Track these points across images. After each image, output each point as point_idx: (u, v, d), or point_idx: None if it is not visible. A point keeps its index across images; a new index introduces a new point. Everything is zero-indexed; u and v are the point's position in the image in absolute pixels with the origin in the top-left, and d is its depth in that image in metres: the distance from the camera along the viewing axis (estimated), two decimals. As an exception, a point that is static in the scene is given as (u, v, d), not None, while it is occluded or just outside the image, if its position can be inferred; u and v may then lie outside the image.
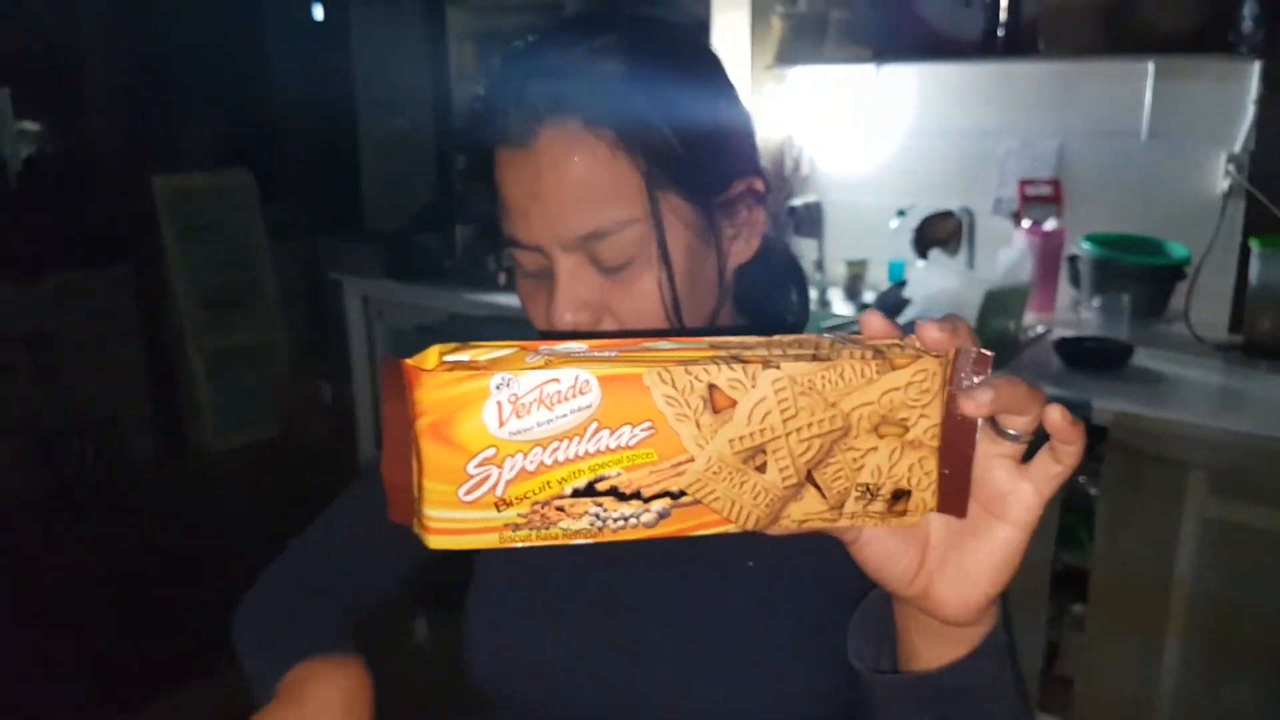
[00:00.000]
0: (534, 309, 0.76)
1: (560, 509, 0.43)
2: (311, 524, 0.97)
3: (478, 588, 0.86)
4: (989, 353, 0.47)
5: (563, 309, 0.71)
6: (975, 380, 0.47)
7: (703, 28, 2.57)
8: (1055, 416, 0.46)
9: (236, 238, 4.09)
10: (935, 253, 2.45)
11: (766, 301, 0.87)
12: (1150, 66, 2.27)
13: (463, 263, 2.90)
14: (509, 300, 2.63)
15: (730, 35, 2.58)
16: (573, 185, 0.69)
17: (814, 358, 0.45)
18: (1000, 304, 2.11)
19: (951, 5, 2.38)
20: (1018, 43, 2.32)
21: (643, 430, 0.43)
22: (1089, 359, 2.06)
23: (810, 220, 2.63)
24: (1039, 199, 2.43)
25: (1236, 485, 1.80)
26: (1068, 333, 2.21)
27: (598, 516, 0.44)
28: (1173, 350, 2.14)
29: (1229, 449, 1.78)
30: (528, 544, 0.44)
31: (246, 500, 3.67)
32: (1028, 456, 0.49)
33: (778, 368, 0.44)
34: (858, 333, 0.49)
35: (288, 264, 4.25)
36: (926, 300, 2.22)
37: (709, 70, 0.77)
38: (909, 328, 0.49)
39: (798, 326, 0.90)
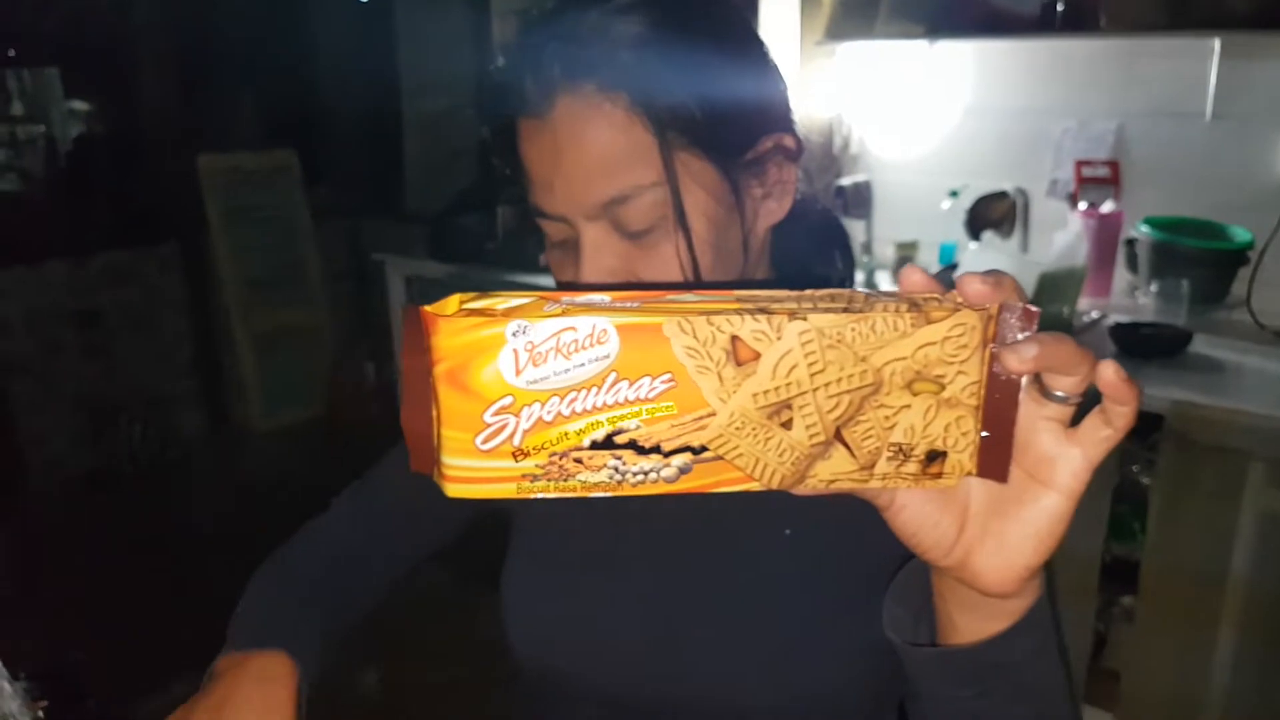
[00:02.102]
0: (563, 279, 0.75)
1: (578, 460, 0.42)
2: (357, 482, 0.98)
3: (514, 557, 0.86)
4: (1034, 308, 0.44)
5: (588, 278, 0.70)
6: (1016, 337, 0.44)
7: (750, 2, 2.52)
8: (1109, 374, 0.43)
9: (281, 218, 4.12)
10: (988, 235, 2.39)
11: (807, 262, 0.85)
12: (1216, 44, 2.19)
13: (505, 244, 2.89)
14: (551, 282, 2.61)
15: (779, 9, 2.53)
16: (591, 152, 0.68)
17: (845, 311, 0.43)
18: (1054, 288, 2.06)
19: (1008, -21, 2.32)
20: (1078, 18, 2.25)
21: (662, 382, 0.42)
22: (1145, 346, 2.00)
23: (859, 200, 2.59)
24: (1096, 180, 2.37)
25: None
26: (1124, 318, 2.15)
27: (616, 470, 0.43)
28: (1233, 338, 2.07)
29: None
30: (546, 495, 0.43)
31: (290, 479, 3.69)
32: (1075, 421, 0.46)
33: (804, 319, 0.42)
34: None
35: (332, 244, 4.28)
36: (977, 284, 2.16)
37: (732, 26, 0.75)
38: (946, 279, 0.47)
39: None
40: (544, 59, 0.69)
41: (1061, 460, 0.46)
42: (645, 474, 0.43)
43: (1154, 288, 2.16)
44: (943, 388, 0.44)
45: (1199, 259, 2.18)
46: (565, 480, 0.43)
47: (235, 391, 4.09)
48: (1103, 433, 0.45)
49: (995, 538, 0.49)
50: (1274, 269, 2.15)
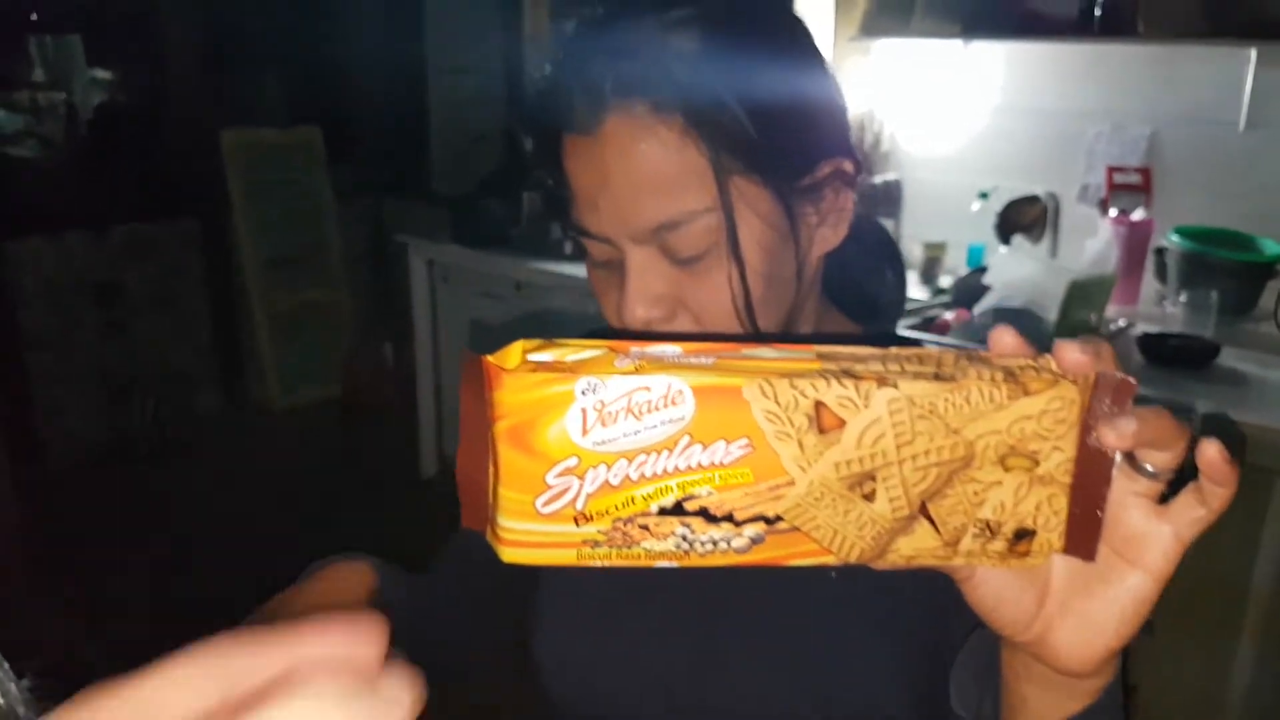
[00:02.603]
0: (606, 302, 0.73)
1: (644, 527, 0.40)
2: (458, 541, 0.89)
3: (547, 582, 0.83)
4: (1132, 380, 0.42)
5: (634, 303, 0.68)
6: (1114, 409, 0.42)
7: (785, -3, 2.50)
8: (1212, 453, 0.42)
9: (303, 196, 4.10)
10: (1018, 239, 2.38)
11: (859, 284, 0.82)
12: (1253, 53, 2.16)
13: (529, 230, 2.88)
14: (575, 270, 2.61)
15: (814, 4, 2.51)
16: (641, 175, 0.65)
17: (935, 376, 0.41)
18: (1083, 295, 2.04)
19: (1047, -18, 2.30)
20: (1116, 23, 2.23)
21: (739, 447, 0.39)
22: (1173, 357, 1.99)
23: (889, 199, 2.57)
24: (1128, 187, 2.35)
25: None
26: (1151, 328, 2.14)
27: (684, 538, 0.40)
28: (1260, 351, 2.06)
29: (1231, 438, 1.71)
30: (607, 564, 0.40)
31: (306, 460, 3.71)
32: (1166, 496, 0.44)
33: (895, 386, 0.40)
34: (980, 347, 0.44)
35: (354, 224, 4.26)
36: (1007, 288, 2.16)
37: (795, 43, 0.72)
38: (1023, 325, 0.45)
39: (893, 309, 0.87)
40: (594, 74, 0.66)
41: (1151, 539, 0.44)
42: (715, 543, 0.41)
43: (1183, 298, 2.14)
44: (1037, 464, 0.42)
45: (1229, 270, 2.17)
46: (629, 548, 0.40)
47: (253, 370, 4.09)
48: (1196, 513, 0.43)
49: (1077, 616, 0.47)
50: (1303, 282, 2.15)
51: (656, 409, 0.38)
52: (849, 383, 0.40)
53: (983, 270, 2.28)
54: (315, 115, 4.16)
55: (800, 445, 0.40)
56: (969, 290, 2.24)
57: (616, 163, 0.65)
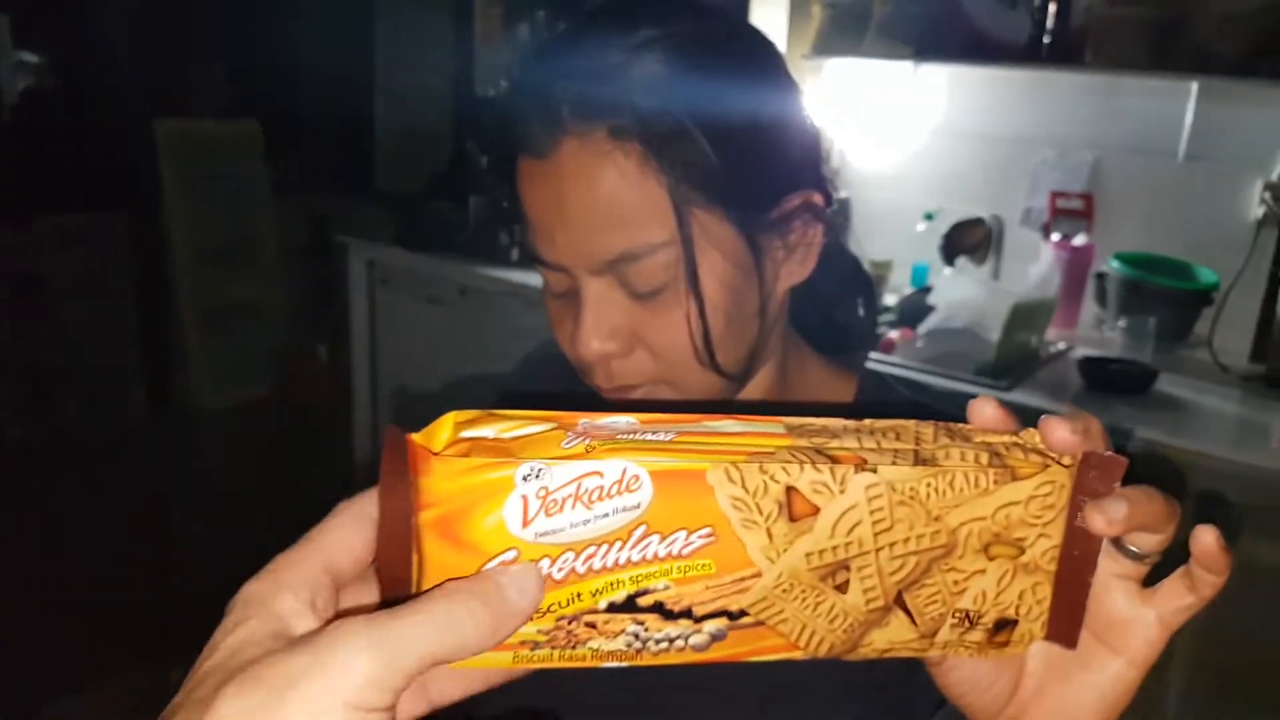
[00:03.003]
0: (561, 332, 0.70)
1: (591, 625, 0.36)
2: None
3: None
4: (1122, 458, 0.39)
5: (589, 337, 0.66)
6: (1101, 490, 0.40)
7: (740, 12, 2.50)
8: (1209, 541, 0.39)
9: (240, 190, 4.00)
10: (962, 260, 2.40)
11: (828, 315, 0.80)
12: (1194, 87, 2.21)
13: (476, 234, 2.83)
14: (522, 277, 2.57)
15: (767, 23, 2.51)
16: (598, 204, 0.62)
17: (916, 455, 0.38)
18: (1025, 318, 2.07)
19: (997, 7, 2.32)
20: (1064, 51, 2.26)
21: (700, 537, 0.36)
22: (1112, 381, 2.02)
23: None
24: (1070, 212, 2.39)
25: (1257, 522, 1.77)
26: (1090, 351, 2.17)
27: (637, 636, 0.36)
28: (1194, 377, 2.10)
29: (1252, 484, 1.75)
30: (547, 665, 0.37)
31: (236, 460, 3.61)
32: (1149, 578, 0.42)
33: (873, 471, 0.37)
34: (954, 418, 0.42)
35: (292, 222, 4.17)
36: (950, 308, 2.18)
37: (765, 68, 0.69)
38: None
39: (864, 341, 0.85)
40: (552, 97, 0.63)
41: (1135, 625, 0.42)
42: (670, 641, 0.37)
43: (1122, 323, 2.18)
44: (1022, 551, 0.40)
45: (1167, 297, 2.21)
46: (574, 648, 0.36)
47: (183, 369, 3.97)
48: (1184, 600, 0.41)
49: (1053, 702, 0.44)
50: (1236, 311, 2.19)
51: (609, 496, 0.35)
52: (824, 467, 0.37)
53: (927, 290, 2.30)
54: (255, 107, 4.05)
55: (769, 534, 0.37)
56: (913, 310, 2.25)
57: (572, 190, 0.63)
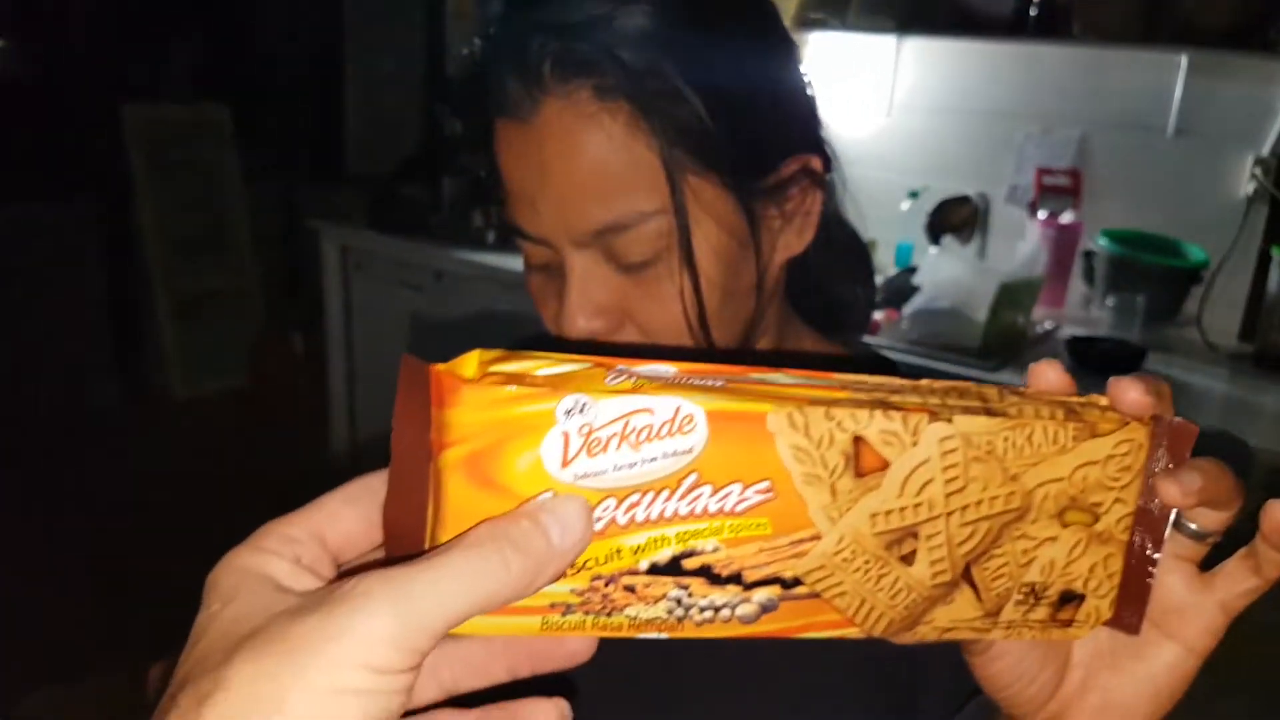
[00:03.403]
0: (545, 309, 0.65)
1: (630, 589, 0.32)
2: None
3: None
4: (1194, 425, 0.36)
5: (575, 313, 0.61)
6: (1172, 461, 0.36)
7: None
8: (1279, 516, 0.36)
9: (209, 176, 3.92)
10: (948, 239, 2.36)
11: (825, 291, 0.75)
12: (1184, 60, 2.17)
13: (450, 217, 2.77)
14: (498, 260, 2.51)
15: (749, -5, 2.46)
16: (582, 170, 0.57)
17: (986, 412, 0.34)
18: (1012, 297, 2.03)
19: (984, -20, 2.28)
20: (1051, 24, 2.22)
21: (757, 492, 0.32)
22: (1102, 361, 1.98)
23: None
24: (1056, 189, 2.35)
25: (1246, 503, 1.74)
26: (1078, 330, 2.14)
27: (679, 603, 0.32)
28: (1183, 356, 2.07)
29: (1239, 464, 1.71)
30: (579, 634, 0.32)
31: (210, 449, 3.55)
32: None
33: (949, 421, 0.33)
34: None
35: (263, 207, 4.09)
36: (936, 288, 2.13)
37: (760, 24, 0.65)
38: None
39: (861, 319, 0.80)
40: (531, 53, 0.58)
41: (1194, 610, 0.39)
42: (716, 610, 0.33)
43: (1110, 301, 2.15)
44: (1096, 518, 0.36)
45: (1155, 275, 2.18)
46: (609, 615, 0.32)
47: (154, 359, 3.89)
48: (1249, 583, 0.38)
49: (1100, 694, 0.41)
50: (1225, 289, 2.17)
51: (659, 437, 0.30)
52: (896, 415, 0.32)
53: (912, 270, 2.25)
54: (224, 92, 3.97)
55: (833, 491, 0.32)
56: (898, 290, 2.21)
57: (555, 156, 0.58)
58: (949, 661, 0.44)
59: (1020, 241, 2.32)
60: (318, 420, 3.22)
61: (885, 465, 0.33)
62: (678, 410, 0.30)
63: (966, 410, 0.34)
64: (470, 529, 0.30)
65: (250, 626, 0.28)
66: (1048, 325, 2.21)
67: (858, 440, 0.32)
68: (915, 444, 0.33)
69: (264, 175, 4.07)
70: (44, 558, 2.76)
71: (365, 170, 3.78)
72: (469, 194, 2.75)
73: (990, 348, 1.97)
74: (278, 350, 3.87)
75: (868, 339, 2.03)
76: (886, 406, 0.33)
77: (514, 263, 2.44)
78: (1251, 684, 1.72)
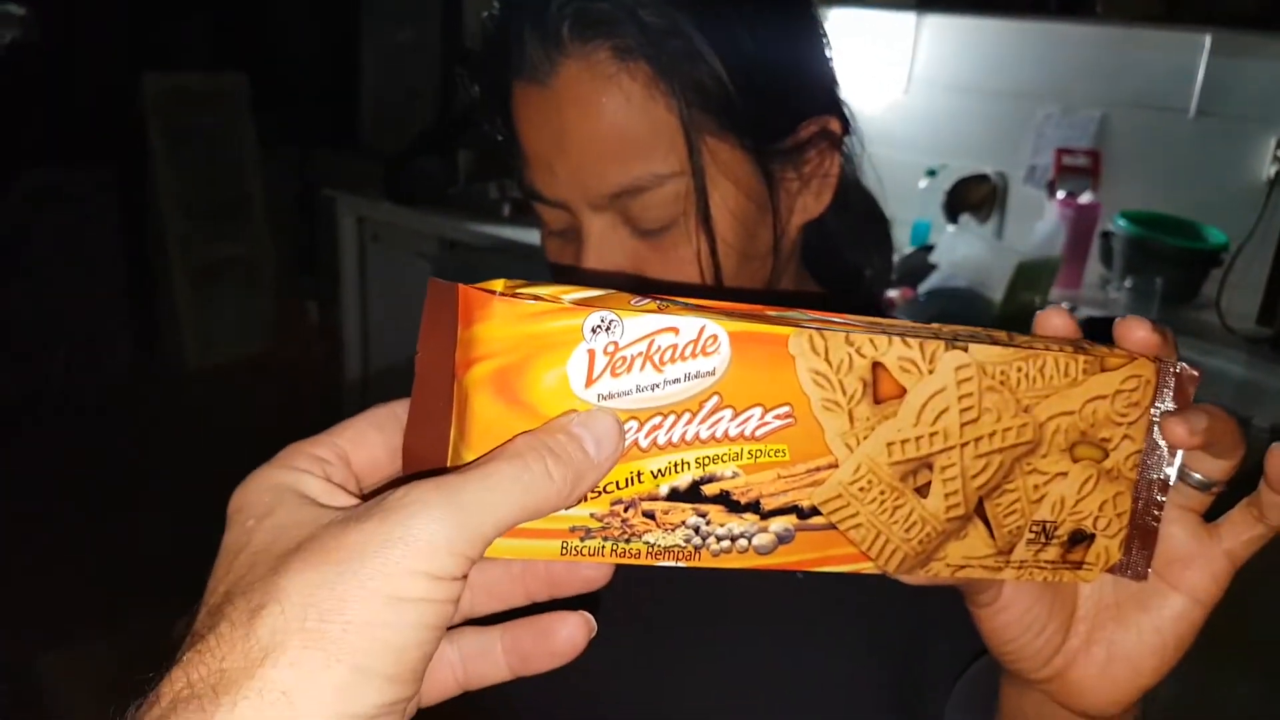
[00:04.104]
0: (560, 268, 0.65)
1: (649, 516, 0.32)
2: None
3: None
4: (1196, 371, 0.37)
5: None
6: (1177, 403, 0.37)
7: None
8: None
9: (227, 145, 3.91)
10: (965, 218, 2.34)
11: (841, 256, 0.75)
12: (1207, 40, 2.15)
13: (466, 189, 2.77)
14: (514, 233, 2.51)
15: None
16: (600, 132, 0.57)
17: (1000, 345, 0.35)
18: (1029, 277, 2.02)
19: (1005, -44, 2.26)
20: (1073, 3, 2.20)
21: (776, 417, 0.32)
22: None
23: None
24: (1076, 170, 2.33)
25: (1255, 485, 1.74)
26: (1095, 312, 2.13)
27: (697, 531, 0.33)
28: (1200, 339, 2.06)
29: (1253, 447, 1.71)
30: (598, 560, 0.32)
31: (225, 418, 3.56)
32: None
33: (965, 350, 0.34)
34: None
35: (280, 176, 4.09)
36: (952, 267, 2.13)
37: None
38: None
39: (878, 286, 0.80)
40: (549, 13, 0.58)
41: (1199, 560, 0.39)
42: (733, 540, 0.33)
43: (1128, 283, 2.14)
44: (1106, 454, 0.37)
45: (1174, 257, 2.16)
46: (627, 541, 0.32)
47: (170, 327, 3.90)
48: (1254, 530, 0.39)
49: (1104, 648, 0.41)
50: (1245, 272, 2.15)
51: (683, 358, 0.31)
52: (914, 342, 0.33)
53: (929, 249, 2.24)
54: (242, 60, 3.96)
55: (850, 417, 0.33)
56: (915, 268, 2.20)
57: (573, 117, 0.58)
58: (956, 621, 0.44)
59: (1038, 221, 2.30)
60: (332, 390, 3.24)
61: (903, 393, 0.33)
62: (702, 331, 0.31)
63: (981, 342, 0.34)
64: (508, 442, 0.30)
65: (296, 539, 0.28)
66: (1064, 306, 2.20)
67: (876, 366, 0.33)
68: (932, 372, 0.34)
69: (281, 144, 4.08)
70: (58, 525, 2.78)
71: (381, 141, 3.78)
72: (485, 167, 2.74)
73: (1006, 328, 1.96)
74: (293, 319, 3.88)
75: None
76: (905, 335, 0.33)
77: (529, 235, 2.44)
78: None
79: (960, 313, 2.03)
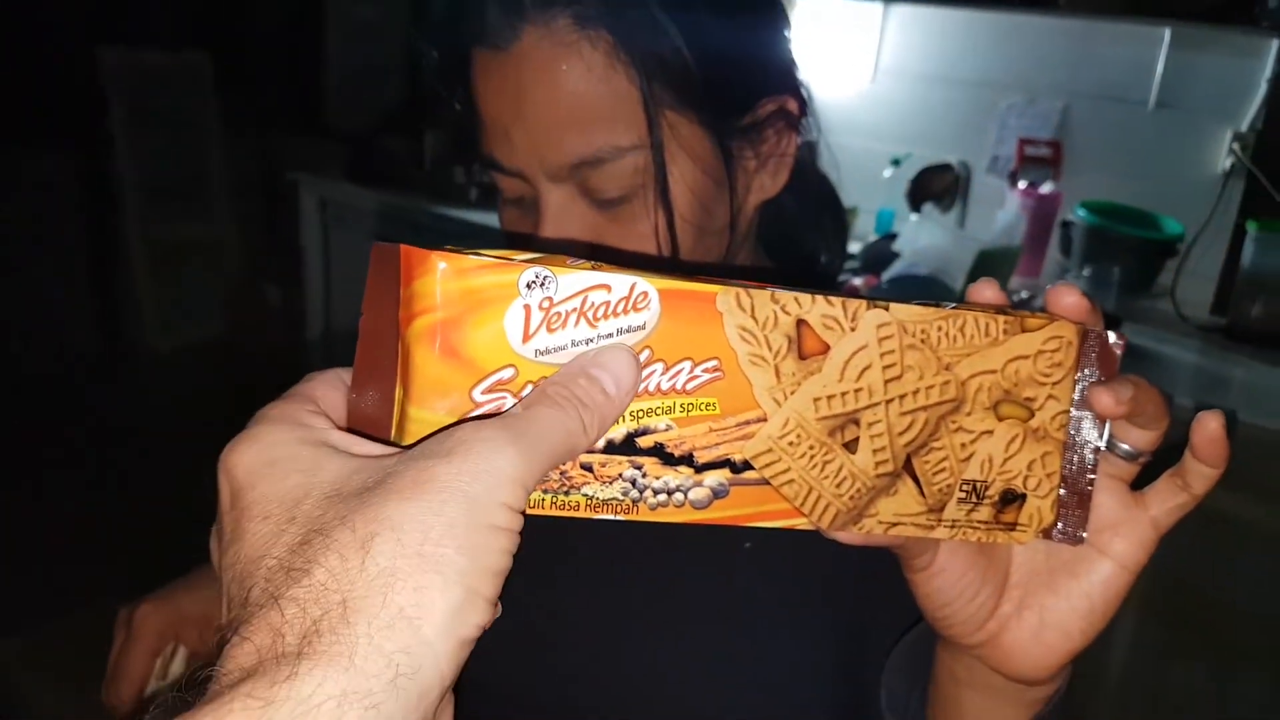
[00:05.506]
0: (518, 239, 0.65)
1: (586, 467, 0.33)
2: None
3: None
4: (1121, 341, 0.38)
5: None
6: (1101, 374, 0.38)
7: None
8: (1214, 427, 0.38)
9: (188, 125, 3.86)
10: (928, 207, 2.37)
11: (797, 237, 0.76)
12: (1167, 33, 2.18)
13: (432, 172, 2.75)
14: (481, 217, 2.50)
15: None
16: (560, 101, 0.57)
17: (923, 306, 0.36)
18: (990, 266, 2.05)
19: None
20: (1038, -7, 2.23)
21: (706, 370, 0.33)
22: (1076, 330, 2.01)
23: (803, 161, 2.54)
24: (1037, 160, 2.36)
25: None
26: (1054, 301, 2.16)
27: (634, 484, 0.34)
28: (1157, 327, 2.10)
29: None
30: (540, 512, 0.33)
31: (188, 402, 3.52)
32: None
33: (884, 309, 0.35)
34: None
35: (242, 157, 4.04)
36: (916, 256, 2.15)
37: None
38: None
39: (831, 269, 0.81)
40: None
41: (1127, 526, 0.40)
42: (669, 493, 0.34)
43: (1086, 272, 2.17)
44: (1031, 414, 0.38)
45: (1131, 247, 2.19)
46: (567, 493, 0.33)
47: (131, 309, 3.85)
48: (1178, 499, 0.40)
49: (1035, 613, 0.42)
50: (1199, 262, 2.18)
51: (615, 314, 0.32)
52: (836, 301, 0.34)
53: (893, 237, 2.27)
54: (203, 39, 3.90)
55: (777, 372, 0.34)
56: (878, 256, 2.22)
57: (533, 85, 0.57)
58: (901, 595, 0.45)
59: (1000, 211, 2.33)
60: (294, 373, 3.21)
61: (826, 349, 0.35)
62: (633, 288, 0.32)
63: (903, 303, 0.36)
64: (534, 390, 0.31)
65: (364, 481, 0.29)
66: (1024, 294, 2.23)
67: (801, 323, 0.34)
68: (854, 329, 0.35)
69: (244, 125, 4.02)
70: (13, 508, 2.75)
71: (345, 122, 3.74)
72: (451, 149, 2.72)
73: (966, 315, 1.98)
74: (255, 302, 3.85)
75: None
76: (830, 294, 0.35)
77: (496, 220, 2.43)
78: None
79: (923, 299, 2.04)
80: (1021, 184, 2.34)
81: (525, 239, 0.63)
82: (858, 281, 2.17)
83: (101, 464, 3.00)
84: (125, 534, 2.09)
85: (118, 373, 3.76)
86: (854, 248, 2.45)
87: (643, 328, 0.32)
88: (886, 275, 2.15)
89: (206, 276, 3.95)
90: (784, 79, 0.67)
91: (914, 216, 2.35)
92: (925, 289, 2.08)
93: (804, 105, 0.68)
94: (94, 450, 3.10)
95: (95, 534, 2.58)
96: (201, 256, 3.94)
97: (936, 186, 2.39)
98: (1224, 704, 1.78)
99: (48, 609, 2.27)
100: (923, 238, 2.18)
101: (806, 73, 0.72)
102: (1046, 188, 2.32)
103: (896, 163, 2.46)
